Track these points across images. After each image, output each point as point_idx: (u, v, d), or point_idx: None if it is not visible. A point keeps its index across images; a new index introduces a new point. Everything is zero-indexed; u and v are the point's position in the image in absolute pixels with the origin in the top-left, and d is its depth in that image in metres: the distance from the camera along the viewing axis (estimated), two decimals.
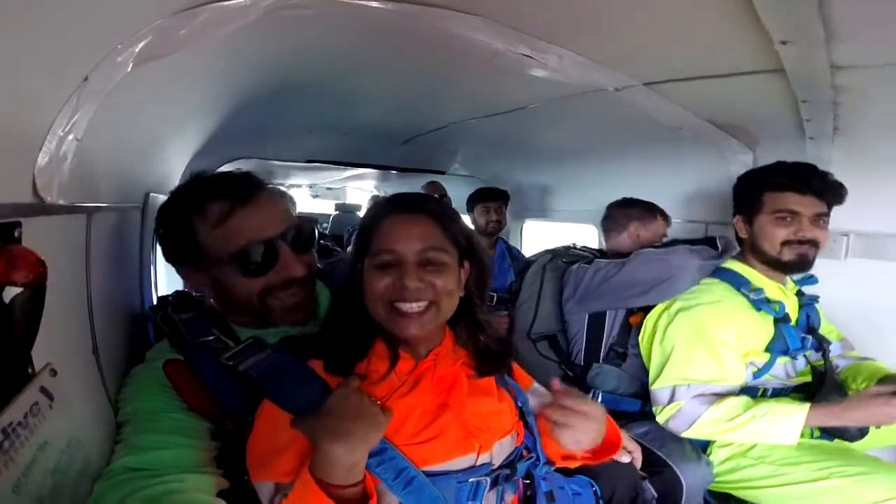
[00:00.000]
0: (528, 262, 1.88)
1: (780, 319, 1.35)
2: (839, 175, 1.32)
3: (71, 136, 0.58)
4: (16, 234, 0.55)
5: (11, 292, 0.52)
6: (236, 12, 0.64)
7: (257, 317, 0.93)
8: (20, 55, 0.48)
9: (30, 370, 0.61)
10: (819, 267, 1.41)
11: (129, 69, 0.60)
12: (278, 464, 0.70)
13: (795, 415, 1.17)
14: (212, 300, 0.97)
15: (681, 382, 1.29)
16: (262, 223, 0.88)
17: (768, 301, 1.35)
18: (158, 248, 1.31)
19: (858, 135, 1.36)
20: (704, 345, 1.30)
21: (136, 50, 0.58)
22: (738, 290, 1.37)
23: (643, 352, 1.46)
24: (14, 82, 0.49)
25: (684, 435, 1.29)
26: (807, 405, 1.18)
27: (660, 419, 1.31)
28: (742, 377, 1.31)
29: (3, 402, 0.53)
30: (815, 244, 1.33)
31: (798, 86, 1.04)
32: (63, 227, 0.72)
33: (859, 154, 1.42)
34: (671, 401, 1.29)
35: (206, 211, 0.87)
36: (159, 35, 0.59)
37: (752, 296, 1.35)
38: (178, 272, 0.96)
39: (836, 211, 1.35)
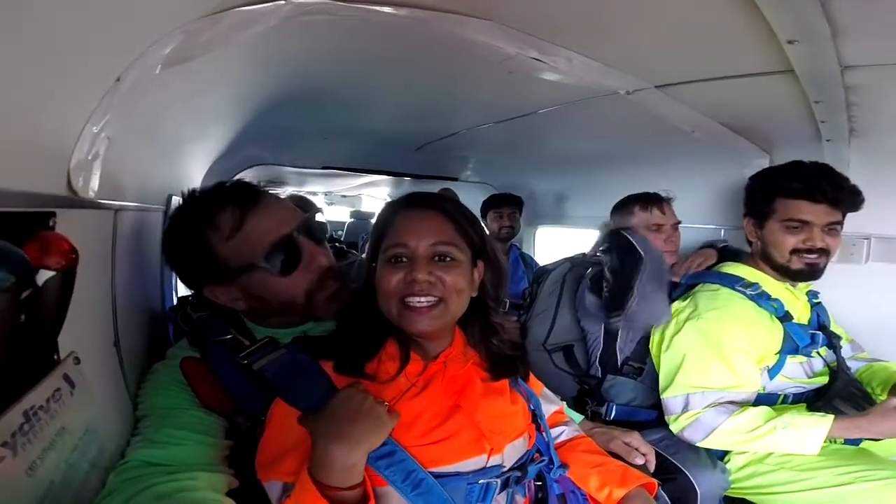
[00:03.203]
0: (545, 270, 1.84)
1: (782, 318, 1.32)
2: (858, 178, 1.29)
3: (103, 135, 0.61)
4: (50, 223, 0.58)
5: (44, 276, 0.54)
6: (259, 16, 0.67)
7: (299, 314, 0.94)
8: (59, 53, 0.51)
9: (55, 356, 0.63)
10: (840, 271, 1.38)
11: (157, 72, 0.64)
12: (286, 463, 0.70)
13: (819, 427, 1.14)
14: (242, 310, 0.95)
15: (694, 391, 1.26)
16: (277, 222, 0.89)
17: (768, 298, 1.33)
18: None
19: (875, 135, 1.34)
20: (716, 352, 1.27)
21: (165, 53, 0.62)
22: (734, 288, 1.34)
23: (654, 361, 1.44)
24: (54, 79, 0.52)
25: (700, 445, 1.26)
26: (830, 418, 1.15)
27: (674, 428, 1.28)
28: (757, 384, 1.28)
29: (28, 386, 0.55)
30: (825, 252, 1.30)
31: (809, 86, 1.03)
32: (92, 222, 0.75)
33: (878, 155, 1.40)
34: (685, 409, 1.26)
35: (217, 222, 0.86)
36: (186, 39, 0.62)
37: (748, 291, 1.32)
38: (205, 293, 0.92)
39: (857, 214, 1.32)
